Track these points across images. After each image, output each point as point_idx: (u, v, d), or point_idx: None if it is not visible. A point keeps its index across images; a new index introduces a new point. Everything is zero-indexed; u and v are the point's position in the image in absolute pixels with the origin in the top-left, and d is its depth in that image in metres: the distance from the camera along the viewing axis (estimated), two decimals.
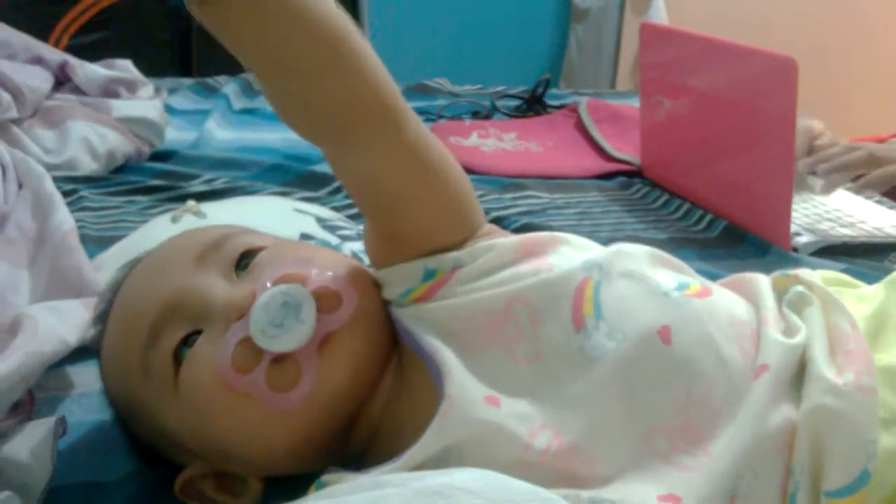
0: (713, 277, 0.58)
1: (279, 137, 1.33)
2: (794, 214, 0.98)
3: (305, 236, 0.82)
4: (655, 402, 0.46)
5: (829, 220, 1.02)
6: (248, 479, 0.52)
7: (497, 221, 0.95)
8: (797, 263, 0.88)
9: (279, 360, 0.48)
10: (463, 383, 0.47)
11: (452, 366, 0.47)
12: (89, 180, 1.08)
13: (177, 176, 1.12)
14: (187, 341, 0.50)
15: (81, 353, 0.63)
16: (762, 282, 0.54)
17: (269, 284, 0.49)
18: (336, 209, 0.98)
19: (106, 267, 0.76)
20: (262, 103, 1.52)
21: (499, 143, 1.39)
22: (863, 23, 2.57)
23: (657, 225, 1.06)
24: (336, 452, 0.51)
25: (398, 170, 0.51)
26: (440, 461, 0.45)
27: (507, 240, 0.53)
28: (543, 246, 0.53)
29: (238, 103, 1.58)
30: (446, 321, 0.50)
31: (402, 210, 0.53)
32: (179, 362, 0.49)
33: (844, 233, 0.98)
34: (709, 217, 1.05)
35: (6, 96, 1.06)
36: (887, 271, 0.80)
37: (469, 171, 1.14)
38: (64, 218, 0.81)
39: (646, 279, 0.51)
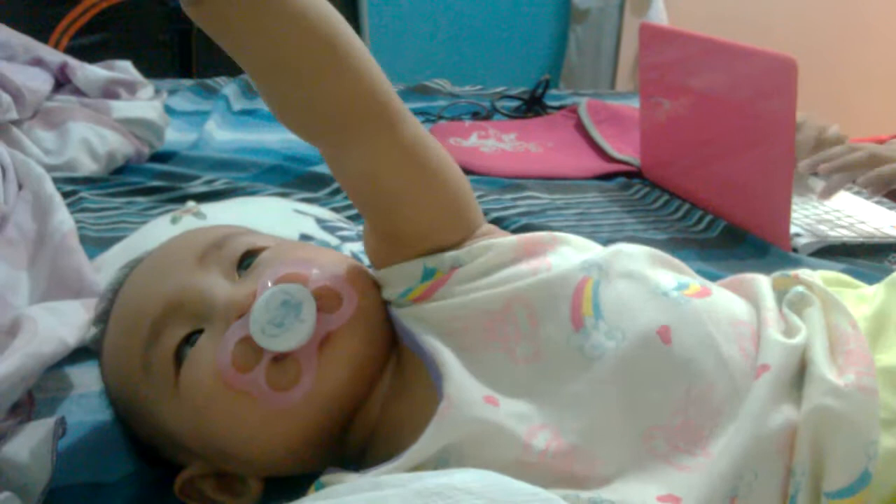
0: (713, 278, 0.58)
1: (279, 138, 1.33)
2: (793, 215, 0.98)
3: (305, 237, 0.82)
4: (655, 402, 0.46)
5: (829, 220, 1.02)
6: (248, 479, 0.52)
7: (497, 222, 0.95)
8: (797, 264, 0.88)
9: (279, 359, 0.48)
10: (462, 383, 0.47)
11: (451, 366, 0.47)
12: (89, 181, 1.08)
13: (177, 177, 1.12)
14: (189, 340, 0.50)
15: (81, 353, 0.63)
16: (762, 282, 0.54)
17: (269, 284, 0.49)
18: (336, 210, 0.98)
19: (106, 268, 0.76)
20: (262, 104, 1.50)
21: (498, 143, 1.39)
22: (863, 23, 2.57)
23: (657, 225, 1.06)
24: (335, 452, 0.52)
25: (396, 168, 0.52)
26: (439, 461, 0.45)
27: (507, 239, 0.54)
28: (543, 246, 0.53)
29: (238, 104, 1.58)
30: (445, 321, 0.50)
31: (401, 209, 0.53)
32: (180, 361, 0.49)
33: (844, 233, 0.98)
34: (708, 217, 1.05)
35: (6, 98, 1.06)
36: (887, 272, 0.80)
37: (469, 171, 1.15)
38: (64, 219, 0.81)
39: (645, 279, 0.51)
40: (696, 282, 0.53)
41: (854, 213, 1.04)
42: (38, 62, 1.22)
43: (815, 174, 1.06)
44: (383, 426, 0.51)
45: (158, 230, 0.80)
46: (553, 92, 1.72)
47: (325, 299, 0.49)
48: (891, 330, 0.50)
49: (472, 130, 1.43)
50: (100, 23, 2.10)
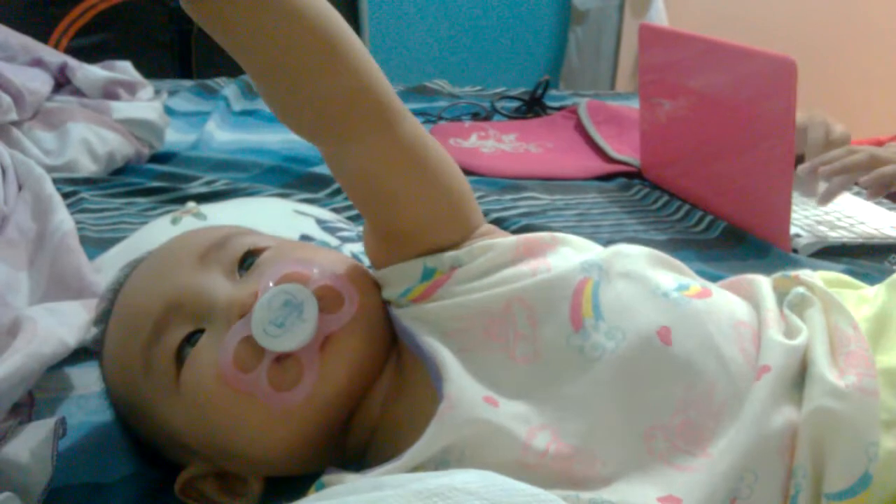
0: (713, 278, 0.58)
1: (279, 139, 1.33)
2: (793, 215, 0.98)
3: (305, 238, 0.82)
4: (655, 403, 0.46)
5: (829, 221, 1.02)
6: (249, 479, 0.52)
7: (497, 223, 0.95)
8: (797, 264, 0.88)
9: (281, 359, 0.48)
10: (462, 384, 0.47)
11: (451, 366, 0.47)
12: (89, 182, 1.08)
13: (177, 178, 1.12)
14: (190, 340, 0.50)
15: (81, 354, 0.63)
16: (763, 283, 0.54)
17: (271, 284, 0.49)
18: (336, 211, 0.98)
19: (106, 268, 0.76)
20: (262, 105, 1.51)
21: (498, 144, 1.39)
22: (863, 23, 2.57)
23: (657, 226, 1.06)
24: (336, 452, 0.52)
25: (395, 167, 0.52)
26: (440, 462, 0.45)
27: (507, 240, 0.53)
28: (543, 246, 0.53)
29: (238, 105, 1.58)
30: (445, 321, 0.50)
31: (400, 208, 0.53)
32: (181, 361, 0.49)
33: (844, 234, 0.98)
34: (709, 218, 1.05)
35: (6, 98, 1.06)
36: (887, 272, 0.80)
37: (469, 172, 1.15)
38: (64, 219, 0.81)
39: (645, 280, 0.51)
40: (696, 283, 0.53)
41: (854, 214, 1.04)
42: (37, 63, 1.22)
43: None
44: (383, 426, 0.51)
45: (158, 231, 0.80)
46: (553, 93, 1.72)
47: (327, 299, 0.49)
48: (892, 331, 0.50)
49: (472, 131, 1.43)
50: (100, 23, 2.11)
